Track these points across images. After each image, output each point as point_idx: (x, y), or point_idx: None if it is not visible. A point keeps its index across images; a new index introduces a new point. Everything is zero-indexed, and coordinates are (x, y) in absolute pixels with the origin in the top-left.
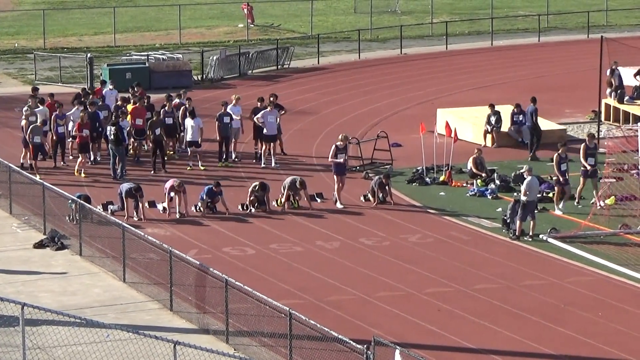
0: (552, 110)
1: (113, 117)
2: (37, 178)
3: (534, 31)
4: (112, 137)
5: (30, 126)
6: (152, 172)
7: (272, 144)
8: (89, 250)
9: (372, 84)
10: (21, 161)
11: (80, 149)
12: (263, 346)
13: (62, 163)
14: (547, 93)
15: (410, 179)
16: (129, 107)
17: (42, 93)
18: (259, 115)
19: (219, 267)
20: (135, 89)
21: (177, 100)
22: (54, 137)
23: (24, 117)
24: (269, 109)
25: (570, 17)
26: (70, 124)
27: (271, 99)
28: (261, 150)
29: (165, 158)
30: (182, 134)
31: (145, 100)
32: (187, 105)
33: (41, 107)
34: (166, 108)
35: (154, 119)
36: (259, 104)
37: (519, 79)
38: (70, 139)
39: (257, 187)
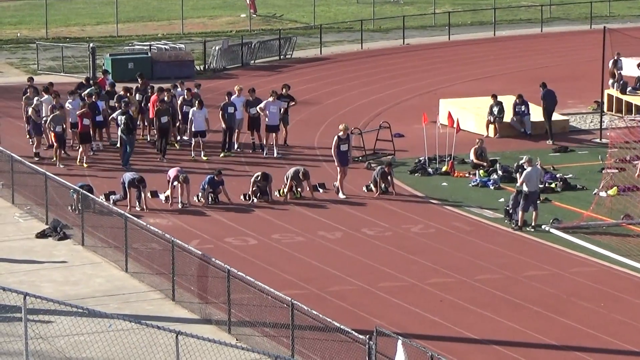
0: None
1: (123, 106)
2: (61, 166)
3: (537, 22)
4: (122, 125)
5: (51, 115)
6: (160, 158)
7: (274, 134)
8: (91, 240)
9: (374, 75)
10: (35, 151)
11: (80, 139)
12: (265, 336)
13: (63, 153)
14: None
15: (412, 169)
16: (130, 97)
17: (44, 83)
18: (261, 105)
19: (221, 257)
20: (139, 79)
21: (195, 90)
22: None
23: (32, 106)
24: (271, 99)
25: (573, 7)
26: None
27: (283, 90)
28: (261, 141)
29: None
30: (179, 124)
31: (150, 90)
32: (185, 96)
33: (47, 96)
34: (164, 98)
35: (160, 107)
36: (249, 95)
37: (521, 70)
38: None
39: (259, 177)
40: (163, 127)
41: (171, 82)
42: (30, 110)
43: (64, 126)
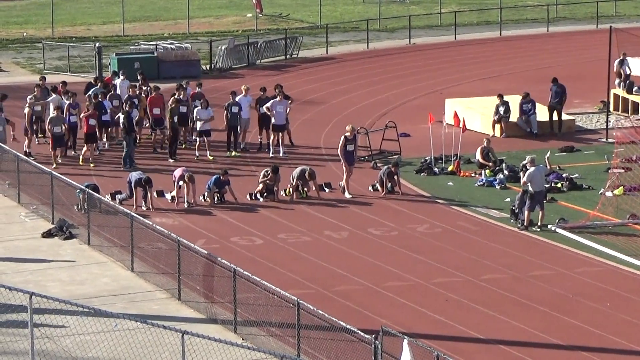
0: None
1: (126, 107)
2: (53, 167)
3: (543, 21)
4: (121, 126)
5: (50, 116)
6: (171, 160)
7: (280, 133)
8: (97, 240)
9: (380, 74)
10: (25, 150)
11: (86, 138)
12: (271, 336)
13: (73, 152)
14: None
15: (418, 169)
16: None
17: (51, 82)
18: (268, 104)
19: (227, 256)
20: (139, 77)
21: (197, 90)
22: (67, 127)
23: (27, 105)
24: (278, 98)
25: (579, 7)
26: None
27: (276, 91)
28: (269, 140)
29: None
30: (191, 123)
31: (151, 89)
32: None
33: (54, 96)
34: (180, 96)
35: (173, 106)
36: (261, 93)
37: (527, 69)
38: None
39: (269, 171)
40: (174, 126)
41: (177, 81)
42: (26, 109)
43: (63, 127)
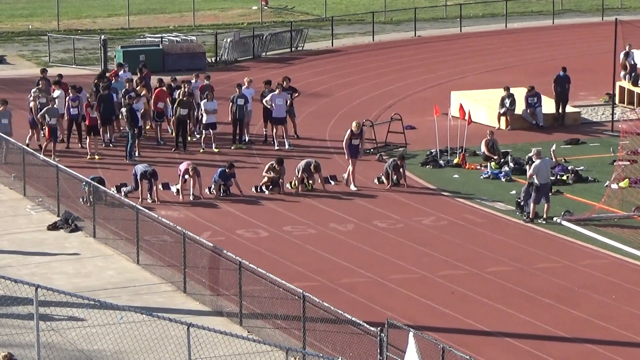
0: None
1: (127, 99)
2: (54, 161)
3: (548, 14)
4: (124, 118)
5: (46, 108)
6: (175, 150)
7: (281, 126)
8: (103, 232)
9: (385, 67)
10: (27, 142)
11: (88, 130)
12: (277, 328)
13: (79, 145)
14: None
15: (424, 162)
16: (140, 90)
17: (53, 75)
18: (267, 97)
19: (233, 249)
20: (143, 69)
21: (206, 82)
22: (67, 118)
23: (32, 98)
24: (277, 91)
25: None
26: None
27: (284, 83)
28: (272, 133)
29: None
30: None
31: (155, 82)
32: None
33: (59, 92)
34: (186, 88)
35: (182, 98)
36: (265, 86)
37: (532, 62)
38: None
39: (274, 164)
40: (183, 119)
41: (183, 74)
42: (32, 103)
43: (81, 116)
